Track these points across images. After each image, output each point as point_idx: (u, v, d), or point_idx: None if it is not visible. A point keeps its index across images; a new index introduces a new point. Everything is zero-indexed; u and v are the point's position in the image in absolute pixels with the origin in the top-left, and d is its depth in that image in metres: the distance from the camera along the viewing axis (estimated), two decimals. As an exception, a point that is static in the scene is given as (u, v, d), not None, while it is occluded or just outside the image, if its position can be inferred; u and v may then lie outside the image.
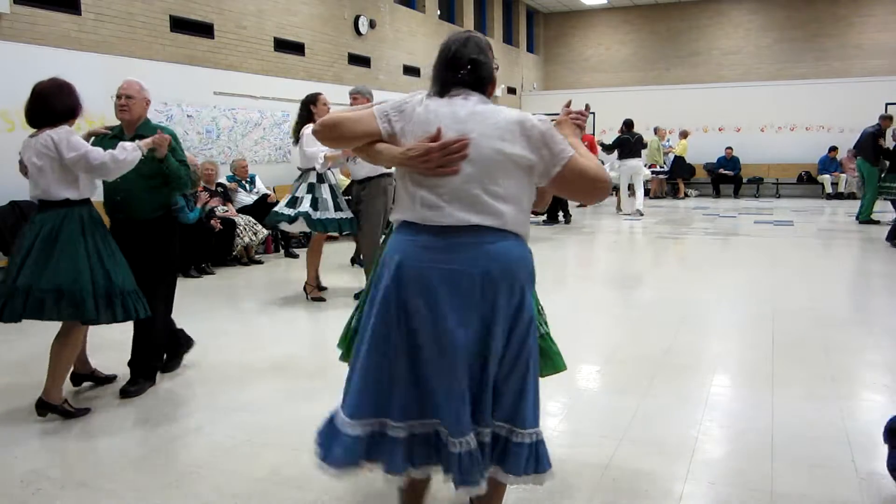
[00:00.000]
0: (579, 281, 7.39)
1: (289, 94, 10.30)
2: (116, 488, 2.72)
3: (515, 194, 2.01)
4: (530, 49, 19.77)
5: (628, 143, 12.81)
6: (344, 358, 2.55)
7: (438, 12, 15.06)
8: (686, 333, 4.89)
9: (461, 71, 2.06)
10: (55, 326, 3.53)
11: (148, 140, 3.67)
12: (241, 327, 5.35)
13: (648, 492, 2.64)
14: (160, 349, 4.02)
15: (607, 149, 13.18)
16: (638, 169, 13.05)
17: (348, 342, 2.53)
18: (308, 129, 5.65)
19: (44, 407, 3.43)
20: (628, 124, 13.05)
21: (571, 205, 14.88)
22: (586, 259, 8.99)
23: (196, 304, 6.07)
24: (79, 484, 2.77)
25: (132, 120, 3.81)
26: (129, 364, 3.93)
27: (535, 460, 2.07)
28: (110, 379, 3.98)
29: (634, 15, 19.01)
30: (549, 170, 2.02)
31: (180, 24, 8.73)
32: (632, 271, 7.87)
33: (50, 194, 3.43)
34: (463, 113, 2.01)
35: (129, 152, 3.52)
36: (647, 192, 17.09)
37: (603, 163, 14.23)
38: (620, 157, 12.91)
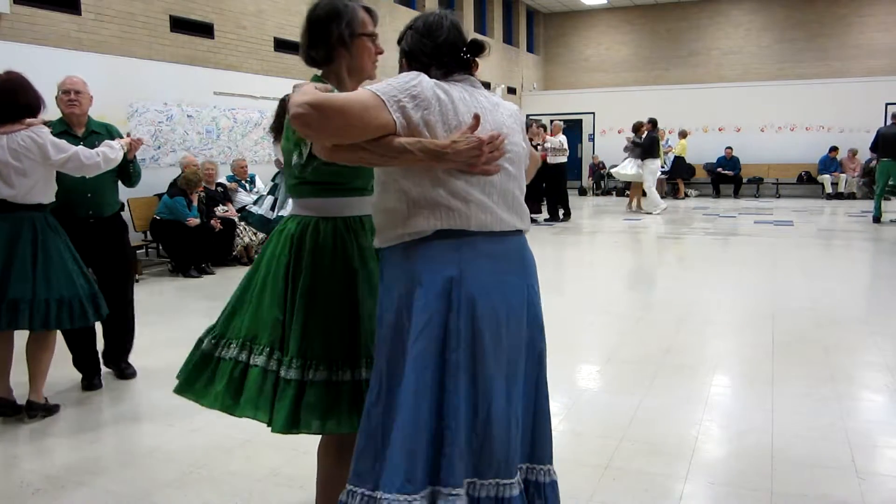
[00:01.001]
0: (579, 281, 7.39)
1: (289, 95, 10.29)
2: (116, 488, 2.72)
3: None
4: (530, 49, 19.77)
5: (656, 143, 12.78)
6: (188, 393, 2.02)
7: (438, 12, 15.06)
8: (686, 333, 4.89)
9: (461, 53, 1.77)
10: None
11: (126, 140, 3.76)
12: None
13: (648, 492, 2.64)
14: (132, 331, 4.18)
15: (639, 146, 13.05)
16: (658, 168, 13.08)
17: (191, 369, 2.02)
18: None
19: (34, 408, 3.45)
20: (654, 123, 12.92)
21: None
22: (587, 259, 8.98)
23: (196, 303, 6.07)
24: (79, 484, 2.77)
25: (82, 114, 3.80)
26: (104, 355, 4.05)
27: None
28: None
29: (634, 15, 19.02)
30: (526, 160, 1.88)
31: (180, 24, 8.73)
32: (632, 271, 7.87)
33: (26, 198, 3.35)
34: (487, 103, 1.74)
35: (117, 151, 3.60)
36: (646, 193, 17.12)
37: (604, 165, 14.18)
38: (648, 156, 12.71)
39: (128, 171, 3.91)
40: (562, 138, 12.26)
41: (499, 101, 1.77)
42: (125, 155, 3.72)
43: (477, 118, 1.63)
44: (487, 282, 1.66)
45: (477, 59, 1.78)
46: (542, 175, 11.60)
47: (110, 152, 3.54)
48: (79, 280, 3.46)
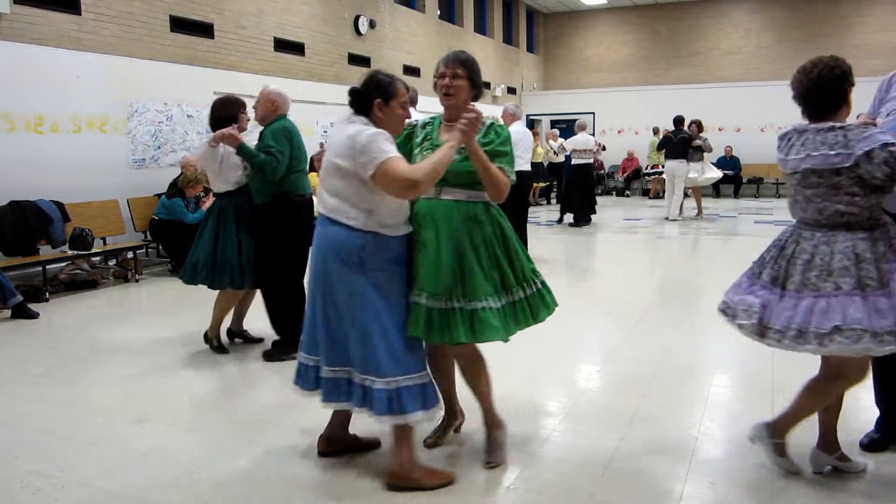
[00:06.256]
0: (579, 281, 7.39)
1: (289, 95, 10.30)
2: (116, 488, 2.72)
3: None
4: (530, 49, 19.77)
5: (670, 143, 12.06)
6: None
7: (438, 12, 15.05)
8: (686, 333, 4.89)
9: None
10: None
11: (216, 134, 4.25)
12: (248, 324, 5.34)
13: (648, 492, 2.64)
14: (286, 322, 4.40)
15: (658, 148, 12.90)
16: (676, 170, 11.96)
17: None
18: None
19: (206, 338, 4.65)
20: (676, 122, 12.25)
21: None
22: (587, 259, 8.98)
23: (196, 303, 6.06)
24: (79, 484, 2.77)
25: (258, 118, 4.47)
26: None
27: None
28: (258, 340, 4.80)
29: (634, 15, 19.01)
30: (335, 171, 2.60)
31: (180, 24, 8.73)
32: (632, 271, 7.86)
33: (215, 188, 4.50)
34: (334, 132, 2.80)
35: (198, 148, 4.42)
36: (646, 192, 17.09)
37: (603, 165, 13.86)
38: (665, 157, 12.29)
39: (250, 162, 4.26)
40: (587, 137, 11.76)
41: (342, 130, 2.61)
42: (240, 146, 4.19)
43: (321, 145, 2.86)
44: (314, 244, 2.70)
45: (354, 104, 2.66)
46: (569, 176, 11.53)
47: (194, 150, 4.40)
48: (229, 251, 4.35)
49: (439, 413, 2.62)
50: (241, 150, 4.18)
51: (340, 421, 2.94)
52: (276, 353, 4.38)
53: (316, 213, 5.88)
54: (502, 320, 2.67)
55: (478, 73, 2.79)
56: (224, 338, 4.74)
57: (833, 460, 2.72)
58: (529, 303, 2.79)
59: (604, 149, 12.62)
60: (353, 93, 2.66)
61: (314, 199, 6.18)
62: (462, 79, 2.73)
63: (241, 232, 4.41)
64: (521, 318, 2.76)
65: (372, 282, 2.55)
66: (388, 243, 2.61)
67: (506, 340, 2.67)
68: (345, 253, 2.55)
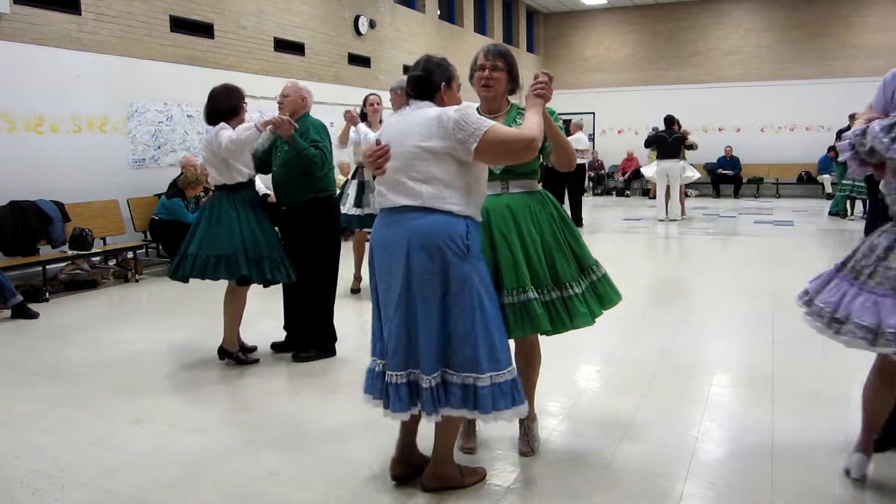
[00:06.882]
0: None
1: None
2: (116, 488, 2.72)
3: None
4: (530, 49, 19.76)
5: (664, 142, 11.74)
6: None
7: (438, 12, 15.05)
8: (686, 333, 4.89)
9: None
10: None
11: (267, 119, 4.12)
12: (243, 328, 5.34)
13: (648, 492, 2.64)
14: (321, 321, 4.38)
15: (647, 146, 12.86)
16: (672, 170, 11.76)
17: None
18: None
19: (222, 353, 4.31)
20: (668, 121, 12.00)
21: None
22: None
23: (197, 303, 6.07)
24: (79, 484, 2.77)
25: (283, 115, 4.24)
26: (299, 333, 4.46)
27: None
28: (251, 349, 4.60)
29: (634, 15, 19.00)
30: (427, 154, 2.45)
31: (180, 24, 8.73)
32: (631, 271, 7.86)
33: (218, 180, 4.26)
34: (394, 121, 2.63)
35: (243, 131, 4.09)
36: (646, 192, 17.09)
37: (603, 165, 13.75)
38: (658, 157, 12.05)
39: (300, 155, 4.12)
40: (582, 137, 11.40)
41: (410, 114, 2.53)
42: (294, 139, 4.07)
43: (378, 142, 2.57)
44: (377, 239, 2.58)
45: (411, 91, 2.58)
46: (561, 178, 10.77)
47: (235, 134, 4.08)
48: (237, 241, 4.07)
49: (526, 409, 2.53)
50: (293, 140, 4.08)
51: (412, 440, 2.75)
52: (316, 354, 4.32)
53: (368, 209, 5.50)
54: (586, 304, 2.80)
55: (516, 66, 2.82)
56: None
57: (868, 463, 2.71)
58: (605, 282, 2.91)
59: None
60: (417, 79, 2.56)
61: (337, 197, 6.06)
62: (501, 71, 2.76)
63: (261, 224, 4.20)
64: (604, 299, 2.90)
65: (475, 270, 2.46)
66: (479, 230, 2.56)
67: (592, 323, 2.81)
68: (452, 241, 2.42)
